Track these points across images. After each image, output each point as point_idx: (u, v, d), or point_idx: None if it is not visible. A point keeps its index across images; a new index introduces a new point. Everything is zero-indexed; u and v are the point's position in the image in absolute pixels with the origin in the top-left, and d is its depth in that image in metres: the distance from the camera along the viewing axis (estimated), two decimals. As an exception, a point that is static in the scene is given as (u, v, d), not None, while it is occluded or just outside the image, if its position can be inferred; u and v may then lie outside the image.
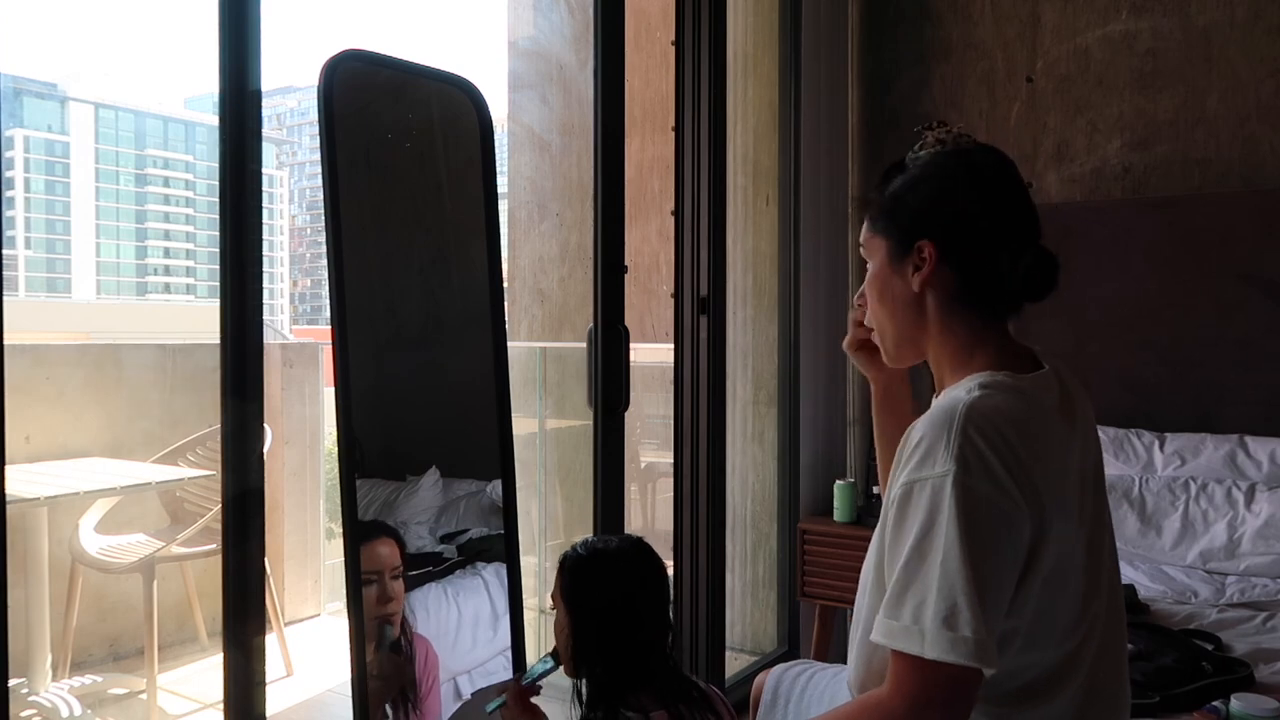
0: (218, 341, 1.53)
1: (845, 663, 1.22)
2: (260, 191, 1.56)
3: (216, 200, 1.54)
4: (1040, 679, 0.99)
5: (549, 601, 1.49)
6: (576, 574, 1.41)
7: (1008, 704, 0.99)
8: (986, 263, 1.04)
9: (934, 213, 1.06)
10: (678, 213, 2.67)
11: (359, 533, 1.70)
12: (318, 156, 1.70)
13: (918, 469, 0.93)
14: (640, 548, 1.46)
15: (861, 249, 1.15)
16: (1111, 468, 2.74)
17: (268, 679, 1.60)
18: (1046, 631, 0.98)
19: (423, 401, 1.93)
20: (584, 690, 1.38)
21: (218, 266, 1.55)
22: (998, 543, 0.90)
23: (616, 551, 1.44)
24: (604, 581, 1.40)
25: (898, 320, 1.10)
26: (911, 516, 0.92)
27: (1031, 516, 0.92)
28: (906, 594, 0.90)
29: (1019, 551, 0.92)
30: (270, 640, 2.72)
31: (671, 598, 1.49)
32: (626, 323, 2.30)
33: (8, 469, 1.26)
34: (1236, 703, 1.59)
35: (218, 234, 1.54)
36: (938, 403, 1.00)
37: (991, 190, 1.06)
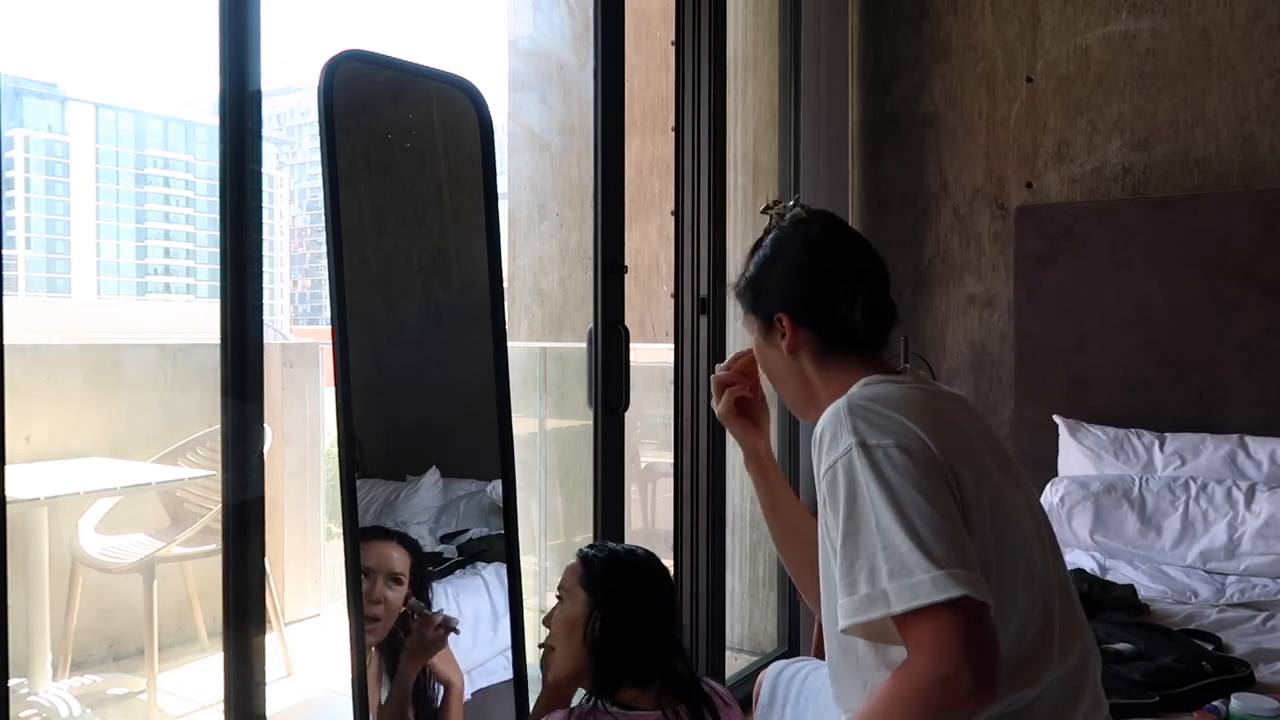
0: (218, 341, 1.54)
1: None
2: (260, 191, 1.56)
3: (216, 200, 1.54)
4: (1013, 656, 0.99)
5: (549, 602, 1.51)
6: (608, 570, 1.50)
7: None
8: (830, 317, 1.17)
9: (779, 286, 1.21)
10: (678, 213, 2.67)
11: (359, 533, 1.69)
12: (318, 156, 1.70)
13: (828, 456, 1.01)
14: (659, 566, 1.54)
15: (744, 327, 1.29)
16: (1111, 468, 2.74)
17: (268, 679, 1.60)
18: (1009, 599, 1.00)
19: (423, 401, 1.93)
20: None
21: (218, 266, 1.55)
22: (921, 484, 0.95)
23: (640, 562, 1.53)
24: (629, 586, 1.48)
25: (788, 384, 1.23)
26: (835, 496, 0.99)
27: (940, 457, 0.98)
28: (855, 566, 0.94)
29: (944, 486, 0.97)
30: (270, 640, 2.71)
31: (676, 617, 1.57)
32: (626, 323, 2.30)
33: (8, 469, 1.26)
34: (1236, 702, 1.59)
35: (218, 234, 1.54)
36: (829, 407, 1.08)
37: (822, 255, 1.20)
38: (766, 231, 1.27)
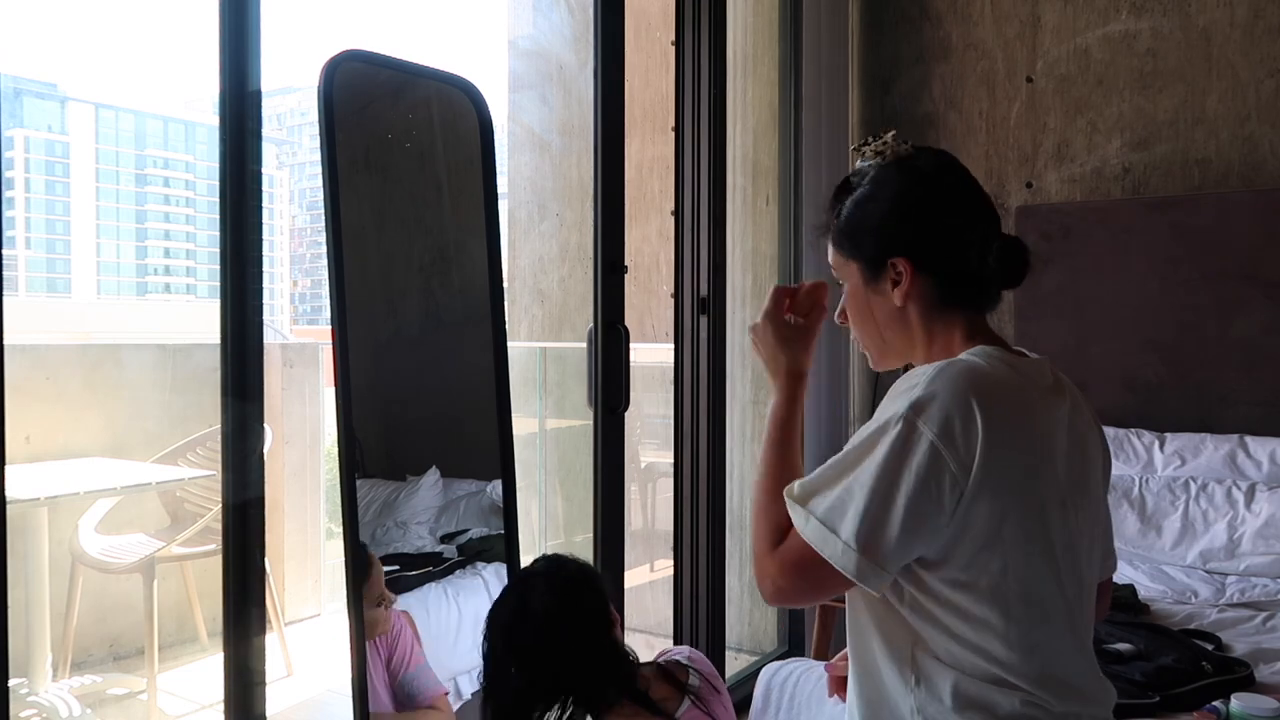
0: (218, 341, 1.54)
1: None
2: (260, 191, 1.56)
3: (216, 200, 1.54)
4: (1000, 665, 0.98)
5: None
6: (507, 640, 1.44)
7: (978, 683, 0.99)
8: (959, 263, 1.06)
9: (897, 229, 1.07)
10: (678, 213, 2.67)
11: (359, 533, 1.70)
12: (318, 156, 1.70)
13: (890, 401, 0.99)
14: (550, 583, 1.46)
15: (834, 272, 1.16)
16: (1111, 468, 2.74)
17: (268, 679, 1.60)
18: (1008, 607, 0.98)
19: (423, 401, 1.93)
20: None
21: (218, 266, 1.55)
22: (921, 485, 0.94)
23: (522, 606, 1.45)
24: (535, 635, 1.43)
25: (886, 335, 1.12)
26: (866, 428, 0.99)
27: (971, 478, 0.94)
28: (819, 479, 1.00)
29: (941, 497, 0.94)
30: (270, 640, 2.71)
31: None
32: (626, 323, 2.30)
33: (8, 469, 1.26)
34: (1236, 703, 1.59)
35: (218, 234, 1.54)
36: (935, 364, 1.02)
37: (943, 192, 1.08)
38: (858, 171, 1.12)
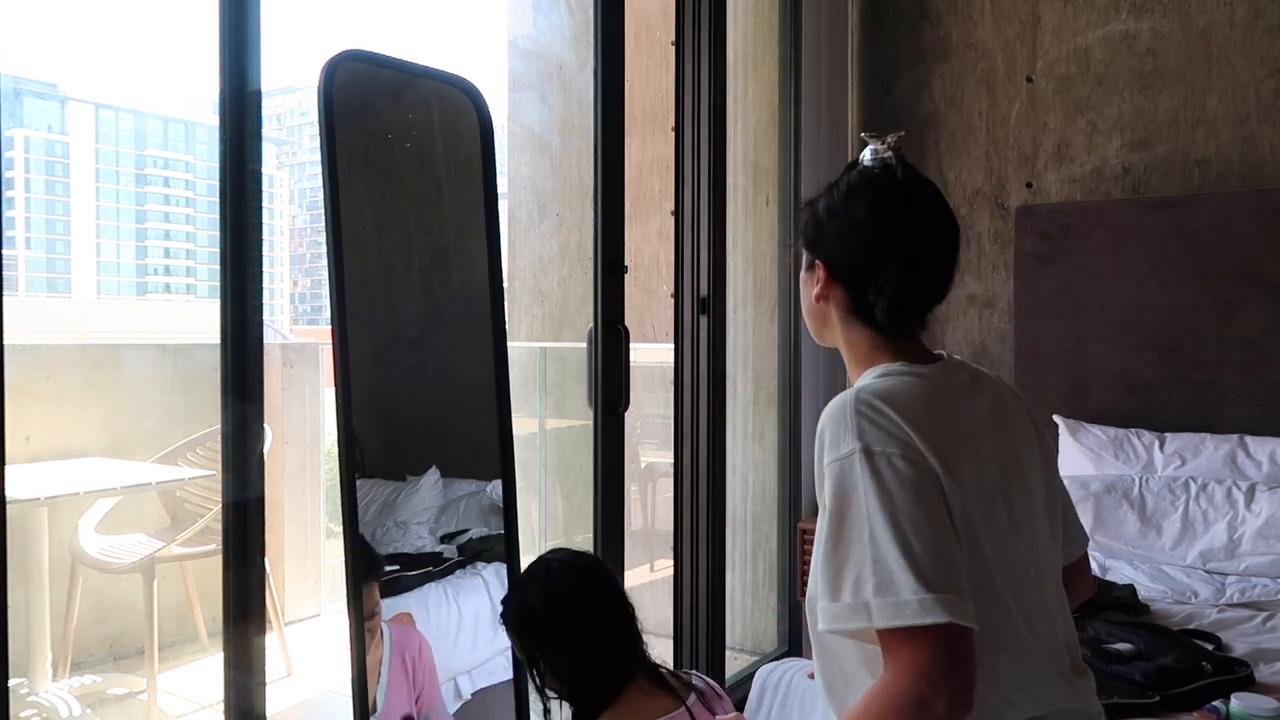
0: (218, 341, 1.53)
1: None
2: (260, 191, 1.56)
3: (216, 200, 1.54)
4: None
5: None
6: (525, 615, 1.45)
7: None
8: (861, 289, 1.10)
9: (833, 237, 1.13)
10: (678, 213, 2.67)
11: (359, 533, 1.69)
12: (318, 156, 1.70)
13: (829, 452, 0.98)
14: (575, 564, 1.49)
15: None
16: (1111, 468, 2.74)
17: (268, 679, 1.60)
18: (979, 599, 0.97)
19: (423, 401, 1.93)
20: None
21: (218, 266, 1.55)
22: (920, 502, 0.93)
23: (550, 577, 1.47)
24: (550, 609, 1.43)
25: (812, 318, 1.20)
26: (834, 497, 0.96)
27: (939, 472, 0.95)
28: (843, 573, 0.92)
29: (941, 502, 0.94)
30: (270, 640, 2.71)
31: (626, 601, 1.50)
32: (626, 323, 2.30)
33: (8, 469, 1.26)
34: (1236, 703, 1.59)
35: (218, 234, 1.54)
36: (835, 398, 1.05)
37: (880, 222, 1.10)
38: (854, 163, 1.16)
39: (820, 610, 0.95)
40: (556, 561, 1.50)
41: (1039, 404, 3.02)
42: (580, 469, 3.60)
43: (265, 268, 1.73)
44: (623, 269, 2.30)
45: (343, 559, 1.69)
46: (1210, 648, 1.91)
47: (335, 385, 1.70)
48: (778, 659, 2.19)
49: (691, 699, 1.40)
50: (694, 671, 1.53)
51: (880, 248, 1.10)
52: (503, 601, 1.51)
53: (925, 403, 1.02)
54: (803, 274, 1.20)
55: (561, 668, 1.40)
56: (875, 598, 0.89)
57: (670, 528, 2.69)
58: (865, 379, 1.08)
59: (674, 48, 2.68)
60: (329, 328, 1.69)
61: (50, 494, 2.59)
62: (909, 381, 1.05)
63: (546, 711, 1.42)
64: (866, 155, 1.14)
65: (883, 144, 1.13)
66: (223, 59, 1.51)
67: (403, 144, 1.90)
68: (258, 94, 1.54)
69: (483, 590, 1.92)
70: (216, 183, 1.54)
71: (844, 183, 1.14)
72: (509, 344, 2.00)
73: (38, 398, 3.12)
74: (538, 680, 1.43)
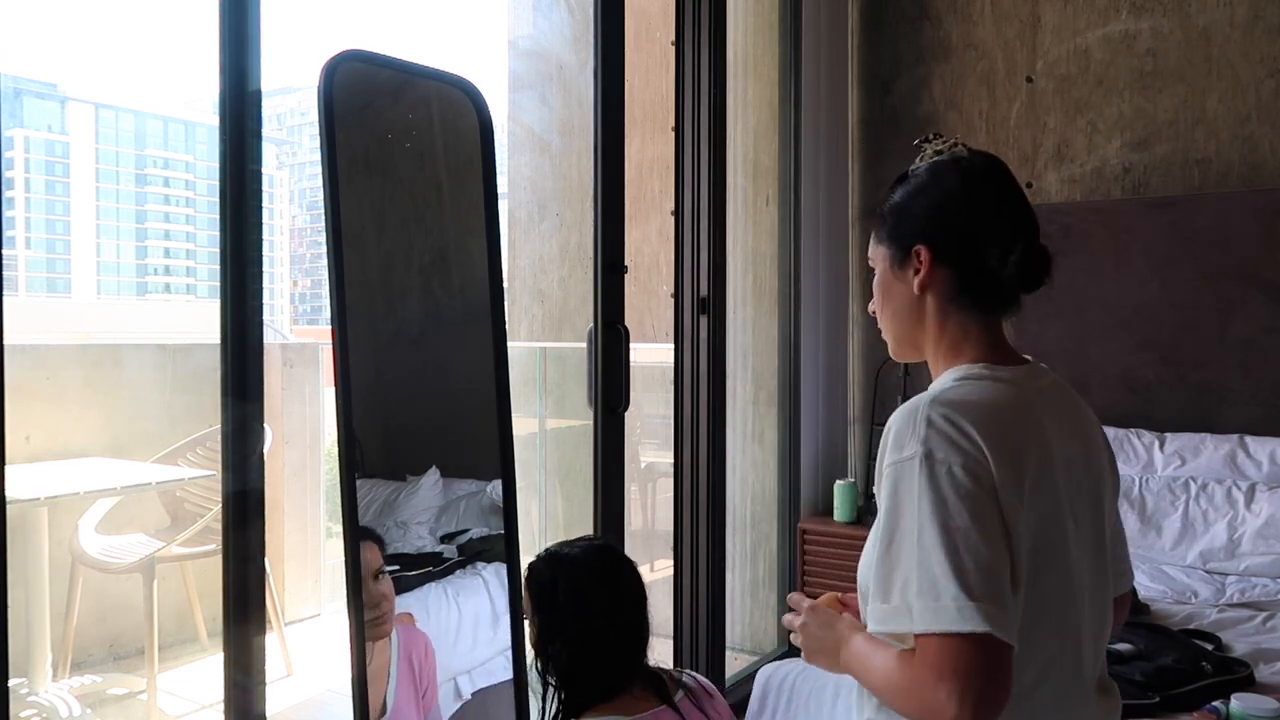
0: (218, 341, 1.54)
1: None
2: (260, 191, 1.57)
3: (216, 200, 1.54)
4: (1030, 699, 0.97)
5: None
6: (543, 584, 1.42)
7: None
8: (977, 259, 1.08)
9: (927, 218, 1.11)
10: (678, 213, 2.67)
11: (359, 533, 1.69)
12: (318, 156, 1.70)
13: (891, 454, 0.97)
14: (606, 554, 1.47)
15: (870, 260, 1.19)
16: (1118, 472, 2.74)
17: (268, 679, 1.60)
18: (1040, 620, 0.97)
19: (423, 401, 1.93)
20: (547, 702, 1.39)
21: (218, 266, 1.55)
22: (974, 514, 0.91)
23: (581, 559, 1.44)
24: (572, 592, 1.41)
25: (900, 322, 1.14)
26: (890, 499, 0.95)
27: (1001, 490, 0.93)
28: (893, 575, 0.93)
29: (998, 516, 0.93)
30: (270, 640, 2.71)
31: (646, 599, 1.49)
32: (626, 323, 2.30)
33: (8, 469, 1.26)
34: (1236, 703, 1.59)
35: (218, 234, 1.54)
36: (910, 399, 1.03)
37: (978, 190, 1.10)
38: (914, 164, 1.16)
39: (870, 611, 0.95)
40: (594, 550, 1.48)
41: (1039, 404, 3.01)
42: (580, 469, 3.60)
43: (265, 268, 1.73)
44: (623, 269, 2.30)
45: (343, 559, 1.69)
46: (1210, 648, 1.91)
47: (335, 385, 1.70)
48: (778, 659, 2.20)
49: (679, 695, 1.40)
50: (686, 670, 1.52)
51: (995, 209, 1.09)
52: (530, 566, 1.48)
53: (1002, 411, 1.00)
54: (886, 277, 1.14)
55: (563, 653, 1.39)
56: (918, 600, 0.89)
57: (670, 528, 2.69)
58: (945, 381, 1.05)
59: (674, 48, 2.68)
60: (329, 328, 1.69)
61: (50, 494, 2.59)
62: (989, 386, 1.03)
63: (543, 697, 1.41)
64: (928, 151, 1.15)
65: (945, 143, 1.14)
66: (223, 59, 1.51)
67: (403, 144, 1.90)
68: (258, 94, 1.54)
69: (483, 590, 1.92)
70: (216, 183, 1.54)
71: (915, 174, 1.14)
72: (509, 344, 2.00)
73: (38, 398, 3.12)
74: (538, 664, 1.42)
